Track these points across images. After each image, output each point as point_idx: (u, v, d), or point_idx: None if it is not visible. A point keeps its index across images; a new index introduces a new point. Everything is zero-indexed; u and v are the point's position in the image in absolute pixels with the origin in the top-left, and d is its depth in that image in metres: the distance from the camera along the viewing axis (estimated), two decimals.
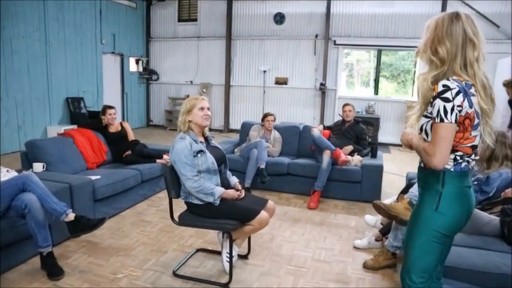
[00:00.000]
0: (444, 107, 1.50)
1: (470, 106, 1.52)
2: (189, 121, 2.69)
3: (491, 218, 2.64)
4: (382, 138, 8.91)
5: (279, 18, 9.64)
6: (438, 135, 1.52)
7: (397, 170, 6.29)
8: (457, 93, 1.50)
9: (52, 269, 2.72)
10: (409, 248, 1.72)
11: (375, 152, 5.01)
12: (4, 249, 2.69)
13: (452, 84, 1.51)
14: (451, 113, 1.50)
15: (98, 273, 2.82)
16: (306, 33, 9.49)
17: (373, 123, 8.40)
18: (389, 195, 4.38)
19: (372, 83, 9.78)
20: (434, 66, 1.61)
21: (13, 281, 2.67)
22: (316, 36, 9.37)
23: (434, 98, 1.53)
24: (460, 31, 1.56)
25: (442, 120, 1.50)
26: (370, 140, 5.46)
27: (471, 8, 8.04)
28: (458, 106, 1.50)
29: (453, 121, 1.50)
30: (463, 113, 1.52)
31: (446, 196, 1.60)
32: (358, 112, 8.31)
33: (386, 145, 8.65)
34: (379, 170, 4.61)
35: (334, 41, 9.25)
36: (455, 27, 1.56)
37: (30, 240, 2.73)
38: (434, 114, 1.52)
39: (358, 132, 5.05)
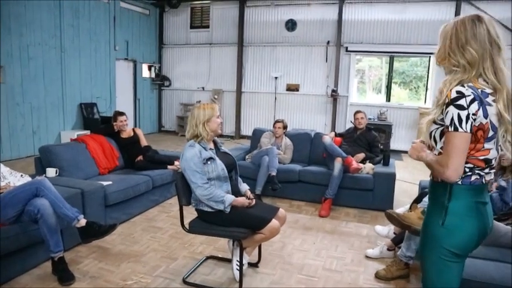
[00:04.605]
0: (459, 114, 1.41)
1: (485, 116, 1.43)
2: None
3: (508, 229, 2.57)
4: (394, 145, 8.81)
5: (291, 25, 9.65)
6: (452, 145, 1.42)
7: (410, 177, 6.21)
8: (472, 101, 1.41)
9: (63, 274, 2.74)
10: (424, 266, 1.63)
11: (387, 160, 4.95)
12: (17, 253, 2.72)
13: (467, 91, 1.42)
14: (466, 122, 1.40)
15: (108, 279, 2.82)
16: (318, 39, 9.48)
17: (385, 130, 8.32)
18: (402, 204, 4.30)
19: (383, 90, 9.70)
20: (462, 71, 1.49)
21: (25, 285, 2.70)
22: (328, 42, 9.34)
23: (448, 104, 1.44)
24: (484, 33, 1.47)
25: (456, 129, 1.41)
26: (382, 147, 5.40)
27: (485, 13, 7.91)
28: (473, 115, 1.41)
29: (468, 130, 1.41)
30: (476, 123, 1.43)
31: (453, 211, 1.50)
32: (370, 119, 8.24)
33: (398, 152, 8.55)
34: (391, 177, 4.55)
35: (346, 48, 9.22)
36: (478, 29, 1.47)
37: (42, 245, 2.76)
38: (447, 122, 1.43)
39: (370, 139, 5.00)
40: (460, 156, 1.43)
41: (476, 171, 1.50)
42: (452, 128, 1.42)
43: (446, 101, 1.45)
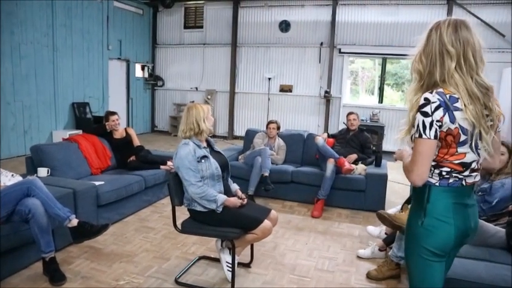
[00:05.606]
0: (423, 121, 1.43)
1: (452, 122, 1.43)
2: None
3: (497, 230, 2.60)
4: (386, 146, 8.85)
5: (285, 26, 9.68)
6: (416, 150, 1.46)
7: (401, 179, 6.25)
8: (437, 108, 1.42)
9: (54, 274, 2.72)
10: (407, 266, 1.66)
11: (379, 161, 4.99)
12: (7, 253, 2.69)
13: (433, 97, 1.43)
14: (430, 129, 1.43)
15: (100, 279, 2.81)
16: (311, 41, 9.52)
17: (377, 131, 8.34)
18: (393, 205, 4.33)
19: (376, 91, 9.77)
20: (415, 79, 1.56)
21: (16, 285, 2.67)
22: (321, 44, 9.39)
23: (417, 111, 1.47)
24: (436, 41, 1.49)
25: (420, 136, 1.44)
26: (374, 148, 5.43)
27: (476, 17, 8.04)
28: (437, 121, 1.43)
29: (432, 137, 1.43)
30: (444, 129, 1.44)
31: (431, 211, 1.51)
32: (362, 120, 8.29)
33: (390, 154, 8.60)
34: (383, 178, 4.59)
35: (339, 49, 9.27)
36: (432, 38, 1.51)
37: (33, 245, 2.74)
38: (415, 129, 1.47)
39: (363, 140, 5.04)
40: (423, 162, 1.46)
41: (454, 174, 1.51)
42: (418, 134, 1.46)
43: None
